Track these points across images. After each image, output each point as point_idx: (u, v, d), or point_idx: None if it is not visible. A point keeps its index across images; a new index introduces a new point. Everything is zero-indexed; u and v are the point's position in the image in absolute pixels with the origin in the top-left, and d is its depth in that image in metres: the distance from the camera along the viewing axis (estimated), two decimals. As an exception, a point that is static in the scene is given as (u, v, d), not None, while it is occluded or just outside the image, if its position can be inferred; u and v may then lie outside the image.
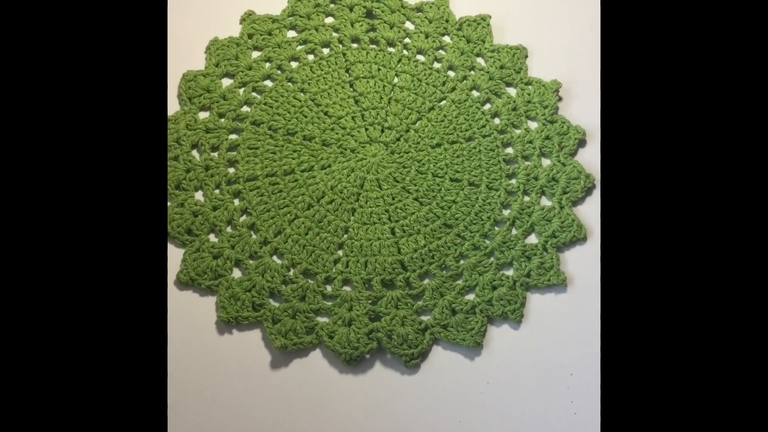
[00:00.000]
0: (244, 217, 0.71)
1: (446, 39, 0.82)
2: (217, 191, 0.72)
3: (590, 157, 0.75)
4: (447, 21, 0.82)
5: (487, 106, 0.78)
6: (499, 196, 0.73)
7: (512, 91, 0.79)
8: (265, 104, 0.76)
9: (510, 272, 0.69)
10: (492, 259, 0.70)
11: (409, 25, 0.83)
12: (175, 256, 0.68)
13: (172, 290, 0.67)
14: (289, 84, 0.78)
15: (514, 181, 0.74)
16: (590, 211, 0.73)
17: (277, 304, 0.67)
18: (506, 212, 0.72)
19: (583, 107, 0.78)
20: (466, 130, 0.76)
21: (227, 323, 0.65)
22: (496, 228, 0.72)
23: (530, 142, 0.76)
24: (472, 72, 0.80)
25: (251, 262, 0.68)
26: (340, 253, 0.70)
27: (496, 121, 0.77)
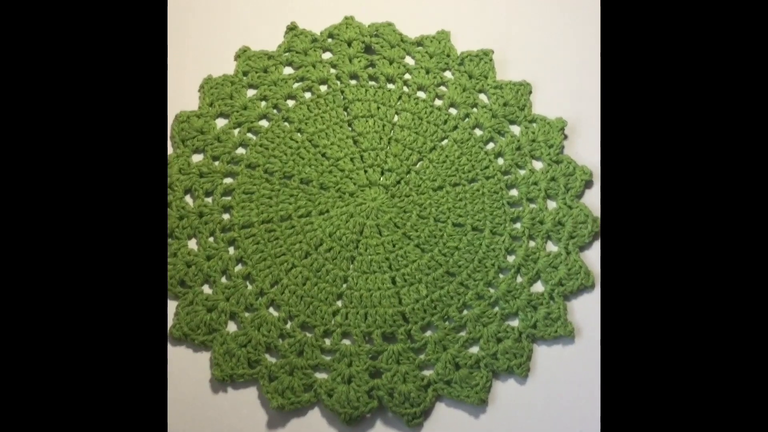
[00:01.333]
0: (239, 267, 0.68)
1: (447, 74, 0.79)
2: (211, 239, 0.69)
3: (597, 199, 0.73)
4: (448, 56, 0.80)
5: (491, 146, 0.76)
6: (503, 241, 0.70)
7: (516, 129, 0.77)
8: (260, 146, 0.74)
9: (515, 323, 0.67)
10: (496, 309, 0.67)
11: (409, 60, 0.80)
12: (168, 309, 0.66)
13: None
14: (286, 124, 0.75)
15: (518, 225, 0.71)
16: (598, 257, 0.70)
17: (273, 360, 0.64)
18: (511, 259, 0.70)
19: (590, 145, 0.75)
20: (469, 172, 0.74)
21: (222, 381, 0.63)
22: (501, 275, 0.69)
23: (535, 183, 0.73)
24: (475, 109, 0.77)
25: (247, 315, 0.66)
26: (339, 304, 0.67)
27: (500, 161, 0.75)
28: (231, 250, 0.69)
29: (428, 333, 0.66)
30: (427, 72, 0.79)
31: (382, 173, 0.74)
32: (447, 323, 0.67)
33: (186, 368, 0.64)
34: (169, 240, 0.68)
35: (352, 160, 0.74)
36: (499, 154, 0.75)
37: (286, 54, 0.79)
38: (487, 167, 0.74)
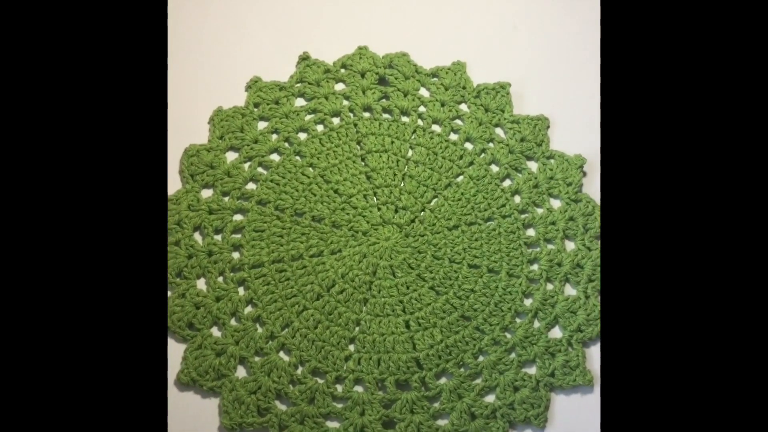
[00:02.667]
0: (249, 309, 0.66)
1: (463, 107, 0.78)
2: (220, 279, 0.68)
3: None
4: (464, 88, 0.78)
5: (507, 183, 0.74)
6: (520, 284, 0.68)
7: (533, 166, 0.75)
8: (271, 181, 0.72)
9: (532, 370, 0.65)
10: (513, 355, 0.65)
11: (423, 92, 0.78)
12: (175, 352, 0.64)
13: (172, 391, 0.63)
14: (297, 158, 0.74)
15: (536, 267, 0.70)
16: (618, 301, 0.68)
17: (284, 408, 0.62)
18: (528, 302, 0.68)
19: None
20: (485, 210, 0.72)
21: (231, 430, 0.61)
22: (518, 320, 0.67)
23: (553, 223, 0.71)
24: (491, 144, 0.75)
25: (257, 359, 0.64)
26: (352, 348, 0.65)
27: (517, 199, 0.73)
28: (241, 290, 0.67)
29: (443, 380, 0.64)
30: (443, 105, 0.77)
31: (396, 211, 0.72)
32: (462, 370, 0.65)
33: (194, 415, 0.62)
34: (178, 280, 0.67)
35: (365, 197, 0.72)
36: (515, 192, 0.73)
37: (298, 85, 0.77)
38: (503, 205, 0.72)
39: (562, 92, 0.79)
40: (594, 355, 0.66)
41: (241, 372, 0.64)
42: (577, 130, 0.76)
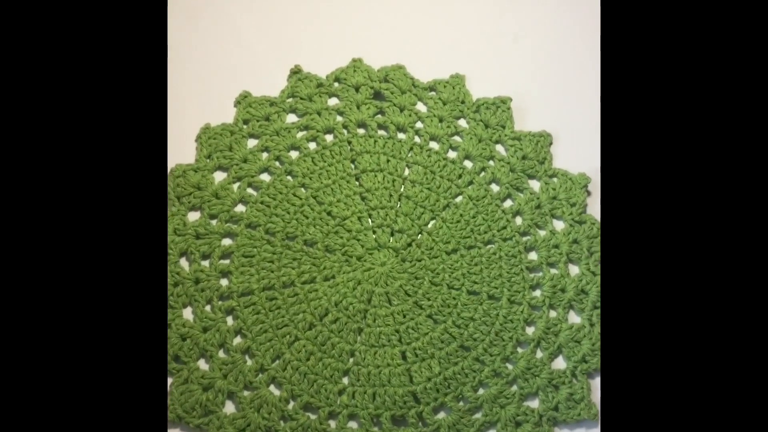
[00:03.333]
0: (238, 339, 0.63)
1: (462, 123, 0.74)
2: (208, 308, 0.64)
3: (623, 264, 0.68)
4: (463, 102, 0.75)
5: (508, 203, 0.71)
6: (522, 311, 0.65)
7: (535, 185, 0.71)
8: (261, 203, 0.69)
9: (535, 404, 0.62)
10: (515, 388, 0.62)
11: (421, 107, 0.75)
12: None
13: (157, 428, 0.60)
14: (289, 178, 0.70)
15: (538, 293, 0.66)
16: (624, 329, 0.65)
17: (274, 446, 0.60)
18: (530, 331, 0.65)
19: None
20: (485, 233, 0.69)
21: (219, 470, 0.58)
22: (519, 350, 0.64)
23: (556, 246, 0.68)
24: (491, 162, 0.72)
25: (246, 394, 0.61)
26: (345, 381, 0.62)
27: (518, 220, 0.70)
28: (229, 320, 0.64)
29: (441, 415, 0.62)
30: (441, 120, 0.74)
31: (392, 234, 0.69)
32: (461, 404, 0.62)
33: (180, 454, 0.60)
34: (163, 309, 0.64)
35: (359, 219, 0.69)
36: (517, 213, 0.70)
37: (290, 100, 0.74)
38: (504, 228, 0.69)
39: (566, 106, 0.75)
40: (600, 387, 0.63)
41: (229, 407, 0.61)
42: (582, 147, 0.73)
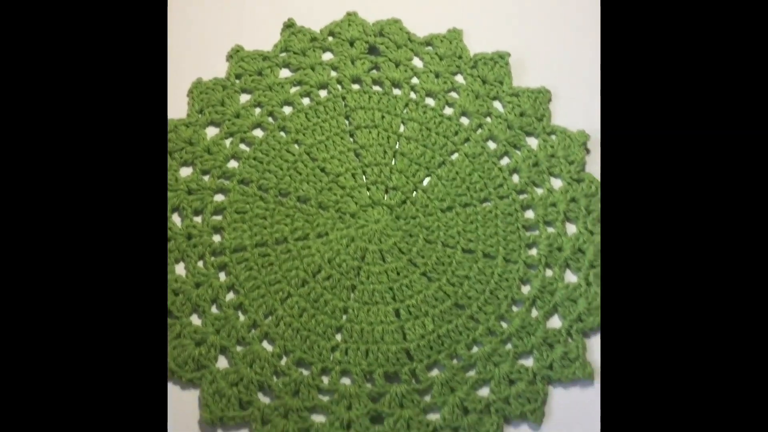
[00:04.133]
0: (230, 296, 0.63)
1: (459, 79, 0.73)
2: (200, 264, 0.64)
3: (621, 222, 0.67)
4: (460, 57, 0.73)
5: (505, 161, 0.69)
6: (517, 270, 0.65)
7: (533, 142, 0.70)
8: (254, 159, 0.68)
9: (529, 362, 0.62)
10: (509, 346, 0.62)
11: (417, 62, 0.73)
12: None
13: (149, 383, 0.60)
14: (282, 134, 0.69)
15: (534, 252, 0.66)
16: (620, 288, 0.65)
17: (267, 401, 0.59)
18: (525, 290, 0.64)
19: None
20: (481, 191, 0.68)
21: (211, 424, 0.58)
22: (514, 308, 0.64)
23: (553, 204, 0.67)
24: (488, 119, 0.71)
25: (238, 349, 0.61)
26: (338, 338, 0.62)
27: (515, 178, 0.69)
28: (222, 276, 0.64)
29: (434, 372, 0.61)
30: (437, 76, 0.72)
31: (386, 191, 0.68)
32: (455, 362, 0.61)
33: (173, 408, 0.59)
34: (155, 265, 0.63)
35: (353, 176, 0.68)
36: (514, 171, 0.69)
37: (283, 54, 0.72)
38: (500, 185, 0.68)
39: (566, 63, 0.74)
40: (594, 346, 0.63)
41: (222, 362, 0.61)
42: (581, 104, 0.71)
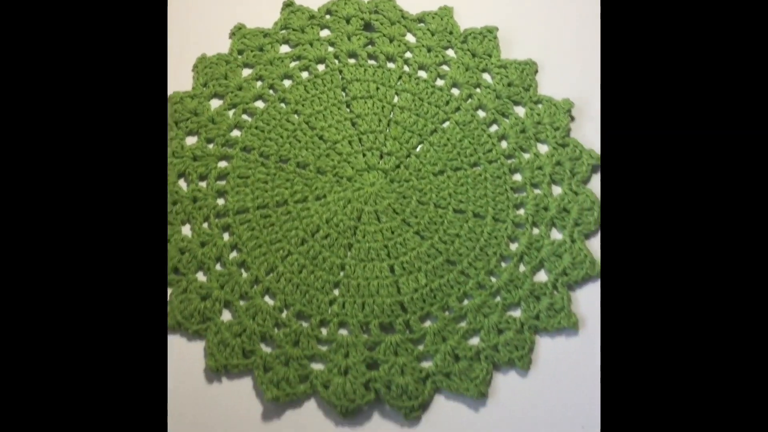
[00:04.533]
0: (233, 254, 0.66)
1: (450, 53, 0.77)
2: (205, 225, 0.67)
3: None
4: (451, 33, 0.77)
5: (494, 128, 0.73)
6: (506, 228, 0.68)
7: (521, 111, 0.74)
8: (256, 128, 0.71)
9: (517, 313, 0.65)
10: (498, 299, 0.65)
11: (410, 38, 0.77)
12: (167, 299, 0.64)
13: (157, 335, 0.63)
14: (282, 105, 0.73)
15: (522, 211, 0.69)
16: (604, 245, 0.68)
17: (269, 350, 0.63)
18: (513, 246, 0.68)
19: (598, 128, 0.73)
20: (471, 155, 0.71)
21: (216, 372, 0.62)
22: (503, 264, 0.67)
23: (540, 168, 0.71)
24: (478, 90, 0.75)
25: (241, 303, 0.64)
26: (336, 293, 0.65)
27: (503, 144, 0.72)
28: (226, 236, 0.67)
29: (427, 323, 0.64)
30: (429, 50, 0.76)
31: (381, 157, 0.71)
32: (447, 313, 0.65)
33: (179, 358, 0.62)
34: (162, 226, 0.67)
35: (350, 143, 0.72)
36: (502, 137, 0.73)
37: (283, 32, 0.76)
38: (489, 151, 0.72)
39: (551, 37, 0.77)
40: (579, 298, 0.66)
41: (226, 316, 0.64)
42: (566, 74, 0.75)
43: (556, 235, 0.69)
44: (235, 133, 0.71)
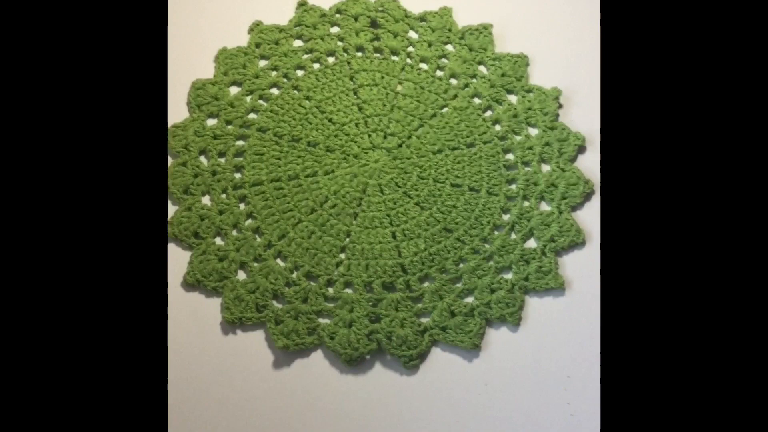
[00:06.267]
0: (249, 221, 0.73)
1: (449, 47, 0.84)
2: (223, 196, 0.74)
3: (590, 164, 0.76)
4: (450, 30, 0.84)
5: (488, 113, 0.80)
6: (499, 201, 0.74)
7: (513, 99, 0.81)
8: (271, 111, 0.78)
9: (509, 276, 0.71)
10: (491, 263, 0.71)
11: (412, 34, 0.84)
12: (182, 258, 0.70)
13: (179, 291, 0.69)
14: (295, 92, 0.80)
15: (514, 186, 0.75)
16: (589, 216, 0.74)
17: (280, 306, 0.68)
18: (506, 217, 0.74)
19: (584, 114, 0.79)
20: (467, 137, 0.78)
21: (231, 324, 0.67)
22: (496, 232, 0.73)
23: (530, 148, 0.77)
24: (474, 80, 0.81)
25: (255, 264, 0.70)
26: (342, 256, 0.71)
27: (497, 127, 0.79)
28: (242, 206, 0.73)
29: (426, 284, 0.70)
30: (430, 45, 0.83)
31: (385, 137, 0.78)
32: (444, 275, 0.70)
33: (198, 311, 0.68)
34: (185, 196, 0.73)
35: (356, 125, 0.78)
36: (496, 121, 0.79)
37: (297, 28, 0.84)
38: (484, 133, 0.78)
39: (542, 33, 0.84)
40: (566, 263, 0.71)
41: (241, 276, 0.70)
42: (555, 67, 0.82)
43: (545, 207, 0.74)
44: (252, 116, 0.78)
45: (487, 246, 0.72)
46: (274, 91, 0.80)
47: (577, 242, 0.72)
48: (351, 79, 0.81)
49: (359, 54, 0.83)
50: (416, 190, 0.75)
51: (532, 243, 0.73)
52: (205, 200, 0.74)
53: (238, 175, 0.75)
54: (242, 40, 0.83)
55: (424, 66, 0.82)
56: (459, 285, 0.70)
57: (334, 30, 0.84)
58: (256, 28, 0.83)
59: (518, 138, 0.78)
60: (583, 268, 0.71)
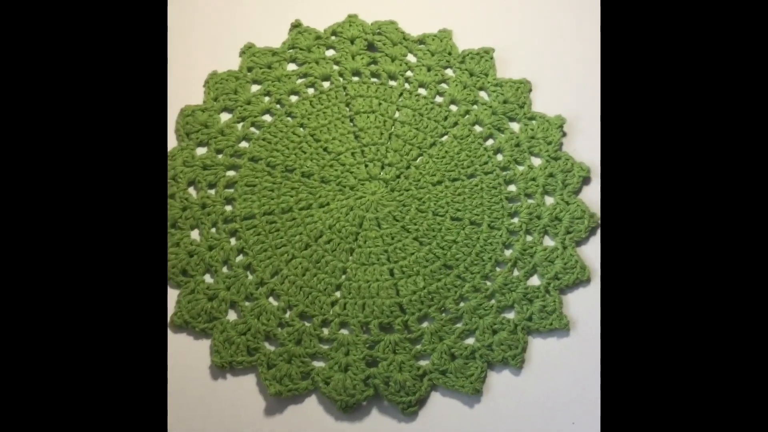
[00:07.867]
0: (240, 257, 0.69)
1: (449, 72, 0.81)
2: (213, 230, 0.71)
3: (595, 196, 0.74)
4: (450, 54, 0.81)
5: (490, 142, 0.77)
6: (500, 235, 0.71)
7: (515, 126, 0.78)
8: (263, 140, 0.75)
9: (511, 315, 0.68)
10: (493, 301, 0.68)
11: (411, 58, 0.81)
12: (169, 297, 0.67)
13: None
14: (288, 119, 0.77)
15: (516, 220, 0.72)
16: (594, 252, 0.71)
17: (272, 348, 0.65)
18: (508, 252, 0.71)
19: (588, 143, 0.76)
20: (468, 167, 0.75)
21: (221, 368, 0.64)
22: (498, 269, 0.70)
23: (533, 179, 0.74)
24: (475, 106, 0.78)
25: (247, 304, 0.67)
26: (338, 294, 0.68)
27: (499, 157, 0.76)
28: (232, 240, 0.70)
29: (425, 324, 0.67)
30: (429, 69, 0.80)
31: (382, 168, 0.75)
32: (443, 315, 0.67)
33: (186, 355, 0.65)
34: (172, 230, 0.70)
35: (353, 154, 0.75)
36: (498, 151, 0.76)
37: (290, 51, 0.81)
38: (486, 163, 0.75)
39: (545, 57, 0.81)
40: (570, 301, 0.69)
41: (231, 316, 0.67)
42: (558, 94, 0.79)
43: (549, 242, 0.72)
44: (244, 144, 0.75)
45: (488, 284, 0.69)
46: (267, 117, 0.77)
47: (582, 279, 0.69)
48: (347, 105, 0.78)
49: (356, 78, 0.80)
50: (415, 224, 0.72)
51: (535, 280, 0.70)
52: (194, 235, 0.70)
53: (228, 208, 0.72)
54: (233, 63, 0.80)
55: (422, 91, 0.79)
56: (459, 325, 0.67)
57: (330, 53, 0.81)
58: (248, 50, 0.80)
59: (521, 168, 0.75)
60: (589, 307, 0.68)
